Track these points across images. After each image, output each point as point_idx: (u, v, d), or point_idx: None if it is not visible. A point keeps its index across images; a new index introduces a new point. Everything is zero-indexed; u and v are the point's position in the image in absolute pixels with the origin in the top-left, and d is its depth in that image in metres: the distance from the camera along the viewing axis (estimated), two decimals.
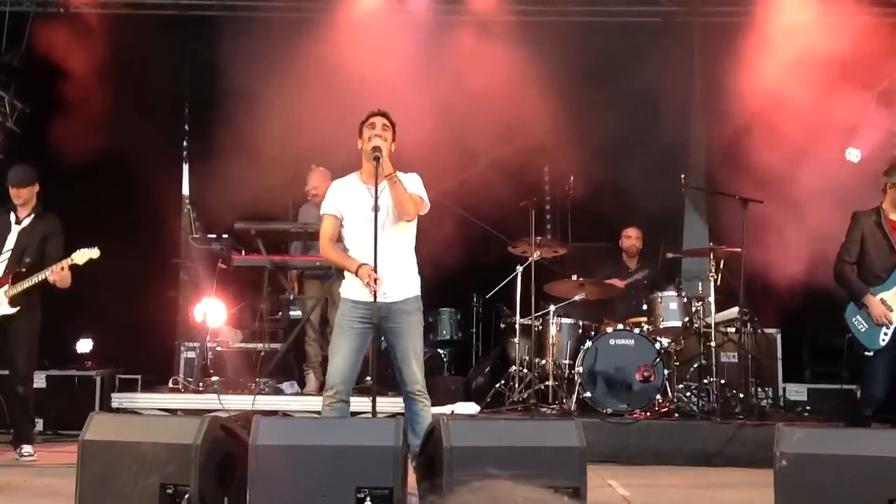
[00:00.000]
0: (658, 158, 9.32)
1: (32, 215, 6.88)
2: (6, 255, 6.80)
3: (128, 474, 4.32)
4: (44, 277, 6.55)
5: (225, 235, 8.14)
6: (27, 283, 6.60)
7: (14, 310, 6.64)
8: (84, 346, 9.36)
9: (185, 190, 10.25)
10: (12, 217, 6.88)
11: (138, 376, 8.93)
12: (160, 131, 9.53)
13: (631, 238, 8.94)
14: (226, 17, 9.65)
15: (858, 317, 6.38)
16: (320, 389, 8.05)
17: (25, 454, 6.69)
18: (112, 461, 4.36)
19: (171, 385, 8.27)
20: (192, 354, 8.57)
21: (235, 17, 9.67)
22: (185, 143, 10.36)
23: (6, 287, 6.68)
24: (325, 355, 7.93)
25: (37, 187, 6.91)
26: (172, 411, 7.48)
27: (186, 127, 10.30)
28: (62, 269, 6.51)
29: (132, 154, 8.93)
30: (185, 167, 10.32)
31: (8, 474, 5.94)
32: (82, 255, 6.54)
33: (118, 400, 7.81)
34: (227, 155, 9.00)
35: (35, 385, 7.95)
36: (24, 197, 6.84)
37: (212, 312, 8.41)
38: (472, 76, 8.87)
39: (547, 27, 9.48)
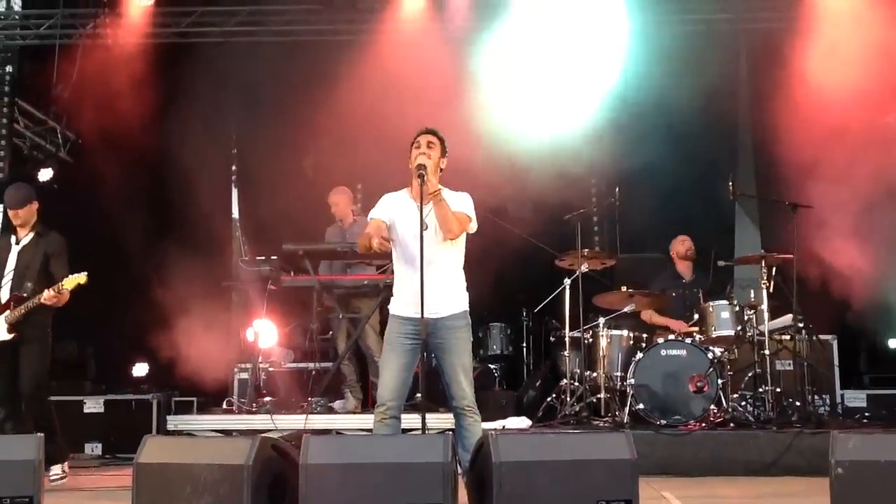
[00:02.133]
0: (706, 165, 9.22)
1: (32, 234, 6.77)
2: (8, 277, 6.67)
3: (182, 496, 4.36)
4: (40, 301, 6.42)
5: (273, 257, 8.21)
6: (23, 309, 6.47)
7: (10, 336, 6.49)
8: (140, 370, 9.54)
9: (235, 213, 10.37)
10: (12, 238, 6.79)
11: (194, 399, 9.08)
12: (208, 156, 9.66)
13: (686, 242, 8.69)
14: (270, 42, 9.79)
15: None
16: (357, 408, 8.11)
17: (53, 476, 6.47)
18: (166, 483, 4.40)
19: (225, 406, 8.38)
20: (245, 376, 8.68)
21: (280, 42, 9.80)
22: (233, 168, 10.49)
23: (7, 313, 6.53)
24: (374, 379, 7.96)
25: (35, 205, 6.81)
26: (227, 432, 7.57)
27: (234, 151, 10.44)
28: (56, 292, 6.39)
29: (181, 179, 9.10)
30: (234, 191, 10.45)
31: (66, 499, 6.03)
32: (71, 281, 6.41)
33: (174, 422, 7.91)
34: (275, 178, 9.11)
35: (93, 409, 8.11)
36: (23, 217, 6.74)
37: (263, 333, 8.51)
38: (515, 88, 8.87)
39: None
